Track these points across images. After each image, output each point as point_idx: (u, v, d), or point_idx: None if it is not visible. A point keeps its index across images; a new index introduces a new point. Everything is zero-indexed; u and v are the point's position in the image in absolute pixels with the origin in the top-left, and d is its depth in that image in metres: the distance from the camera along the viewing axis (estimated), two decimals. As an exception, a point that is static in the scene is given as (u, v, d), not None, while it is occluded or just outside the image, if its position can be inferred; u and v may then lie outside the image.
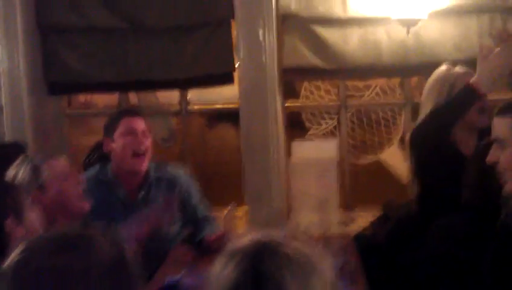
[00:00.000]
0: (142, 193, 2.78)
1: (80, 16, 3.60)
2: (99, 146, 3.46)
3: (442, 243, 2.18)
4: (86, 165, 3.25)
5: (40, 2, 3.61)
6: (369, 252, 2.80)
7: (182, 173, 2.91)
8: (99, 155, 3.30)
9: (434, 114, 2.45)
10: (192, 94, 3.94)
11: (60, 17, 3.62)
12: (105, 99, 4.23)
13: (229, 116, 3.49)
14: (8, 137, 3.67)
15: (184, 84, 3.71)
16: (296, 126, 3.99)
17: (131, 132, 2.72)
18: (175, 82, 3.67)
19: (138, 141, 2.73)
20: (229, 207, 2.51)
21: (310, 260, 0.97)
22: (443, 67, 2.59)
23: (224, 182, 4.14)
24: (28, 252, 0.86)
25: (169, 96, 4.10)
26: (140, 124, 2.76)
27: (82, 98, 4.26)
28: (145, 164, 2.75)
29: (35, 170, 2.19)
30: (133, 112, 2.89)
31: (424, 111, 2.54)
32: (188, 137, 3.87)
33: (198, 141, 4.02)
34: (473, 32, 3.20)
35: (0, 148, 3.40)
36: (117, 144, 2.74)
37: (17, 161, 2.25)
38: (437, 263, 2.13)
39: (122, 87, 3.77)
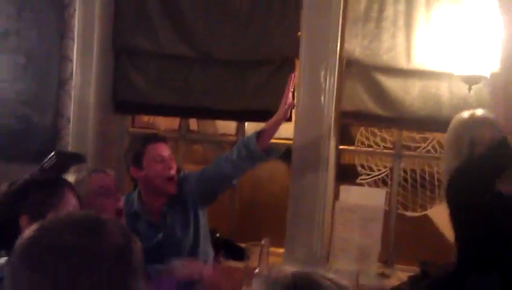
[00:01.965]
0: (165, 208, 2.90)
1: (152, 41, 3.76)
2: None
3: None
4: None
5: (117, 24, 3.80)
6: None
7: (183, 176, 3.01)
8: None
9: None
10: (251, 127, 4.01)
11: (134, 41, 3.79)
12: (167, 122, 4.35)
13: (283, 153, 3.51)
14: (71, 148, 3.83)
15: (242, 116, 3.79)
16: (349, 171, 3.97)
17: (160, 159, 2.82)
18: (234, 113, 3.75)
19: (168, 167, 2.84)
20: (262, 242, 2.52)
21: None
22: (462, 116, 2.69)
23: (269, 219, 4.15)
24: (41, 230, 0.88)
25: (228, 127, 4.18)
26: (165, 150, 2.87)
27: (145, 118, 4.40)
28: (175, 186, 2.87)
29: (78, 183, 2.28)
30: (156, 138, 2.94)
31: (447, 164, 2.57)
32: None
33: (249, 174, 4.06)
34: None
35: (60, 156, 3.56)
36: (147, 171, 2.83)
37: (71, 169, 2.36)
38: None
39: (184, 112, 3.88)
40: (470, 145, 2.59)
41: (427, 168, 3.82)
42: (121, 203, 2.43)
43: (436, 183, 3.79)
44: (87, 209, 2.22)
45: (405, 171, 3.84)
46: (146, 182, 2.88)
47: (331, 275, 1.00)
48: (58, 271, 0.82)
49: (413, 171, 3.86)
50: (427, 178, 3.82)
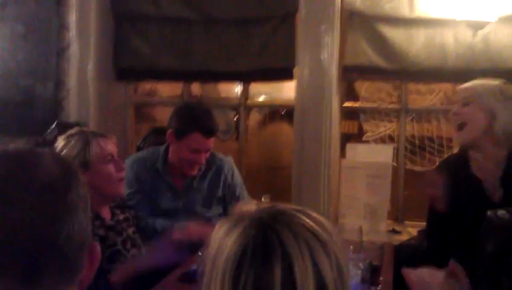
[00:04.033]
0: (189, 181, 2.80)
1: (152, 5, 3.69)
2: (153, 132, 3.52)
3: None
4: (139, 150, 3.32)
5: (115, -11, 3.73)
6: (413, 261, 2.67)
7: (228, 163, 2.90)
8: (152, 141, 3.36)
9: None
10: (255, 89, 3.97)
11: (134, 5, 3.72)
12: (169, 89, 4.28)
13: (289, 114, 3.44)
14: (74, 119, 3.78)
15: (246, 77, 3.72)
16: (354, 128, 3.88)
17: (196, 151, 2.70)
18: (237, 74, 3.68)
19: (198, 160, 2.73)
20: (262, 199, 2.43)
21: (322, 236, 0.91)
22: None
23: (276, 180, 4.09)
24: None
25: (230, 90, 4.11)
26: (208, 145, 2.71)
27: (147, 86, 4.34)
28: (196, 171, 2.78)
29: (85, 145, 2.21)
30: (209, 131, 2.70)
31: None
32: (246, 131, 3.87)
33: (256, 137, 3.98)
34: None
35: (62, 127, 3.52)
36: (179, 152, 2.73)
37: (71, 131, 2.29)
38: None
39: (187, 76, 3.82)
40: None
41: (434, 121, 3.68)
42: (124, 172, 2.35)
43: (445, 136, 3.66)
44: (94, 175, 2.16)
45: (412, 127, 3.71)
46: (173, 155, 2.79)
47: (308, 216, 0.95)
48: None
49: (421, 125, 3.73)
50: (435, 131, 3.68)
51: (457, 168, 2.37)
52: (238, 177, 2.91)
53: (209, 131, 2.68)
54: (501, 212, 2.09)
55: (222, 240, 0.92)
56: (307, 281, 0.86)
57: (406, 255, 2.74)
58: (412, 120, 3.65)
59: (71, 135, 2.25)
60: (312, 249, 0.89)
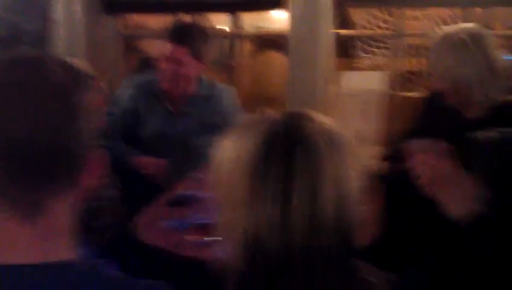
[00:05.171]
0: (184, 107, 2.77)
1: None
2: (143, 62, 3.47)
3: None
4: None
5: None
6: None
7: (228, 92, 2.86)
8: (143, 71, 3.32)
9: None
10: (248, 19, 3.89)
11: None
12: (159, 22, 4.18)
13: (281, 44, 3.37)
14: (62, 53, 3.71)
15: (235, 7, 3.64)
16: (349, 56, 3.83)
17: (168, 60, 2.61)
18: (227, 4, 3.60)
19: (173, 71, 2.63)
20: None
21: (342, 135, 0.93)
22: None
23: (270, 109, 4.07)
24: None
25: (221, 20, 4.03)
26: (176, 54, 2.60)
27: (136, 19, 4.24)
28: (180, 90, 2.71)
29: None
30: (174, 37, 2.60)
31: None
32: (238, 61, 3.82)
33: (247, 67, 3.92)
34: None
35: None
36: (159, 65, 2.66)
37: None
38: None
39: (175, 7, 3.73)
40: None
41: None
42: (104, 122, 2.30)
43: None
44: None
45: (408, 53, 3.66)
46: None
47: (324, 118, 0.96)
48: None
49: (416, 50, 3.67)
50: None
51: None
52: (236, 108, 2.88)
53: (174, 37, 2.59)
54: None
55: (238, 139, 0.92)
56: (326, 173, 0.88)
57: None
58: (409, 48, 3.60)
59: None
60: (335, 146, 0.90)
